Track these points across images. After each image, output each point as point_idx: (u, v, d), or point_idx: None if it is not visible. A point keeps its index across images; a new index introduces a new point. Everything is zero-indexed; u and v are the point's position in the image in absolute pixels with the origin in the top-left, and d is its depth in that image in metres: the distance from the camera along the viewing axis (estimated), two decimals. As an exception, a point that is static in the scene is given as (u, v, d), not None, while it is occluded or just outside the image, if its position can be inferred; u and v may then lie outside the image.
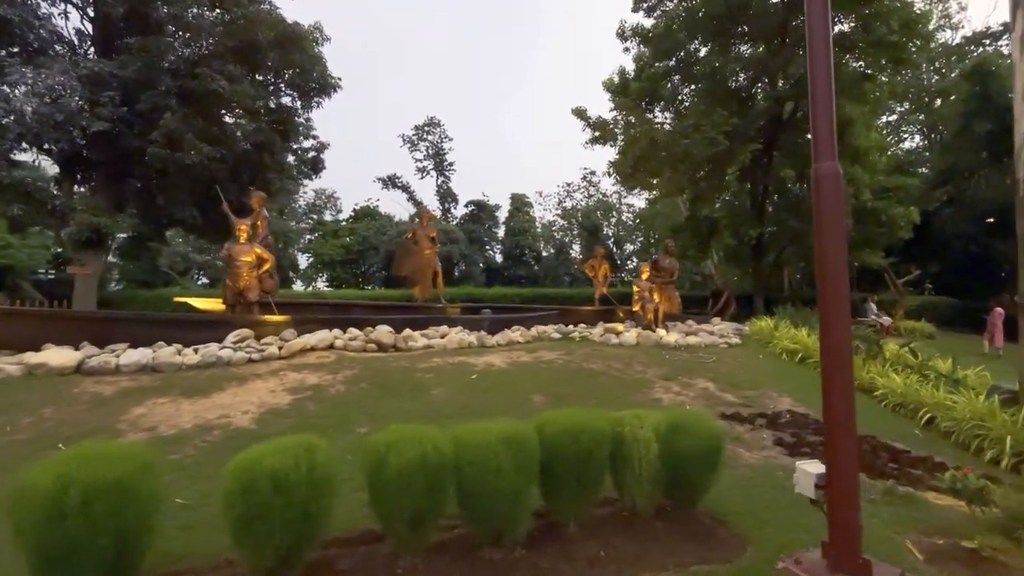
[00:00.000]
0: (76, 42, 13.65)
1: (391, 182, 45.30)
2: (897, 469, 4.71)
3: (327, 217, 46.89)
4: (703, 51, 15.79)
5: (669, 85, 16.41)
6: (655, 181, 17.97)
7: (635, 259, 43.74)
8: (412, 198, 46.36)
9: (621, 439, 3.44)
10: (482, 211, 45.85)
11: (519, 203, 42.69)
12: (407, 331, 8.48)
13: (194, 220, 15.23)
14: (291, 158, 21.74)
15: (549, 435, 3.31)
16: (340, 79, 19.49)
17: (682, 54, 16.30)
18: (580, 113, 19.71)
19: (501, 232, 43.78)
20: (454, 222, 45.39)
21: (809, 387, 7.08)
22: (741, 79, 16.61)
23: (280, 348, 6.97)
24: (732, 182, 17.30)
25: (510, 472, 2.93)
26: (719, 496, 3.88)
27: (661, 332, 9.36)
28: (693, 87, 16.14)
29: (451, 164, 47.31)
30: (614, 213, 43.52)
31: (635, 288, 10.20)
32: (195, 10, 12.82)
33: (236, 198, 17.14)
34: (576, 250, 44.22)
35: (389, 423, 5.25)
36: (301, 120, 21.78)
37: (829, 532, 2.67)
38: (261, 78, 14.62)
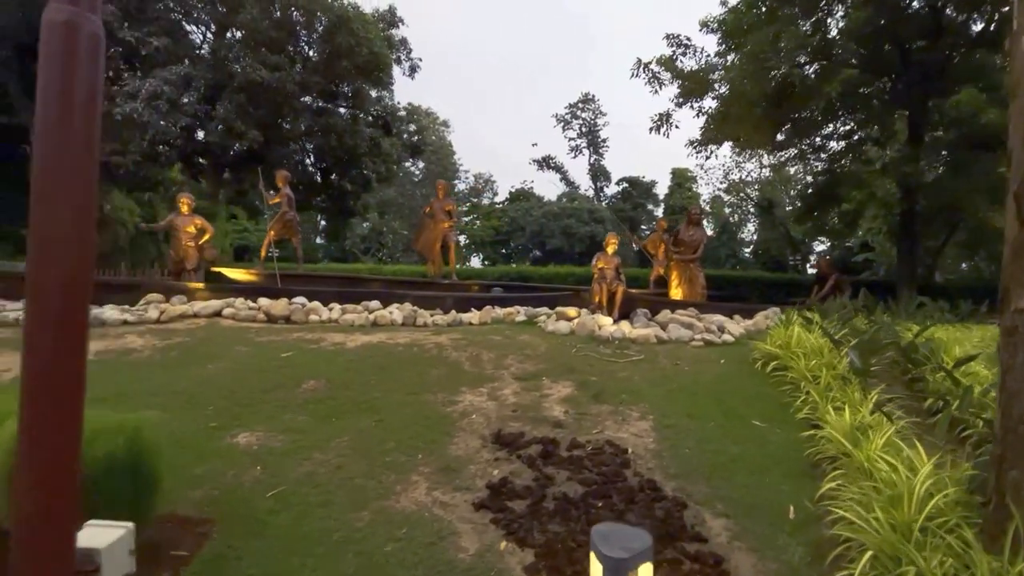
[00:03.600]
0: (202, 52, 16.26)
1: (545, 163, 45.53)
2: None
3: (485, 200, 49.19)
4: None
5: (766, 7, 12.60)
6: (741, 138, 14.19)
7: (819, 241, 36.28)
8: (564, 178, 45.95)
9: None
10: (635, 188, 43.19)
11: (681, 178, 38.70)
12: (314, 303, 8.11)
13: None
14: (389, 142, 22.86)
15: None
16: (420, 59, 19.84)
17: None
18: (668, 63, 16.58)
19: (660, 211, 40.47)
20: (604, 201, 43.62)
21: (706, 413, 4.71)
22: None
23: (161, 313, 7.22)
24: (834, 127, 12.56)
25: None
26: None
27: (604, 320, 7.30)
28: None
29: (604, 141, 45.36)
30: (795, 185, 36.32)
31: (594, 263, 8.11)
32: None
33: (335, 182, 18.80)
34: (750, 230, 38.41)
35: (114, 393, 4.94)
36: (404, 105, 22.87)
37: None
38: (315, 64, 15.51)
